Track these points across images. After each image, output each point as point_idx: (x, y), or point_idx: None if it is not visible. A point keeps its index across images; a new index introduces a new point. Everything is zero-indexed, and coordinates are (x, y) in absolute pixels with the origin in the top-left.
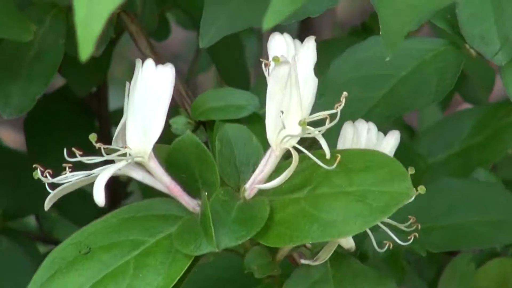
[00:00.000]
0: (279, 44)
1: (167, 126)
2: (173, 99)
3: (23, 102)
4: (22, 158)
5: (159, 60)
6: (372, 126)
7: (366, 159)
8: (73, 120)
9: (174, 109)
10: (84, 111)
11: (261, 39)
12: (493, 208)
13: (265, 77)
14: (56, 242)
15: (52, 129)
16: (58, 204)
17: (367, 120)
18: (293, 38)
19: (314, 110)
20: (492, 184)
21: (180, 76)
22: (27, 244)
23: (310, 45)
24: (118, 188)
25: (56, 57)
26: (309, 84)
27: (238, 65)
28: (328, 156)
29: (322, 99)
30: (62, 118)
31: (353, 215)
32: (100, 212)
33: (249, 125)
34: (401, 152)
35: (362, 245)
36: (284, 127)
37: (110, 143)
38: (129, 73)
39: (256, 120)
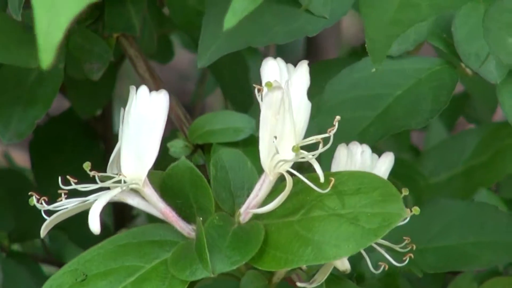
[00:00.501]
0: (272, 69)
1: (163, 151)
2: (172, 122)
3: (22, 126)
4: (28, 180)
5: (158, 84)
6: (366, 148)
7: (358, 181)
8: (78, 142)
9: (172, 132)
10: (89, 134)
11: None
12: (488, 229)
13: None
14: (63, 265)
15: (57, 151)
16: (65, 227)
17: (361, 139)
18: (299, 59)
19: (308, 131)
20: (489, 205)
21: (186, 97)
22: (33, 267)
23: (303, 70)
24: (124, 210)
25: (56, 82)
26: (302, 109)
27: (242, 86)
28: (322, 180)
29: (316, 120)
30: (67, 141)
31: (346, 238)
32: (106, 235)
33: (246, 147)
34: (402, 171)
35: (358, 266)
36: (277, 152)
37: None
38: None
39: (253, 143)
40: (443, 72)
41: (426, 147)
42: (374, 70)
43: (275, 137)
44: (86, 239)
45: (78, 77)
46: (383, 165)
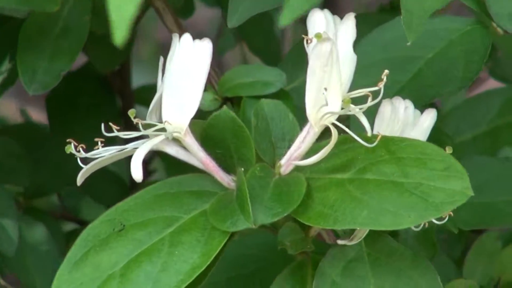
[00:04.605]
0: (320, 20)
1: None
2: None
3: (48, 78)
4: (45, 135)
5: None
6: (409, 104)
7: (417, 150)
8: (95, 97)
9: None
10: (106, 89)
11: None
12: None
13: (294, 54)
14: (79, 221)
15: (74, 107)
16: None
17: None
18: None
19: None
20: None
21: None
22: (51, 223)
23: (350, 22)
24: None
25: (82, 34)
26: (348, 61)
27: (268, 39)
28: (369, 133)
29: None
30: (84, 96)
31: (407, 207)
32: (122, 190)
33: None
34: None
35: None
36: (326, 104)
37: (131, 122)
38: (156, 54)
39: (283, 97)
40: (474, 33)
41: (443, 104)
42: (409, 43)
43: (325, 89)
44: (102, 194)
45: (101, 31)
46: (425, 121)
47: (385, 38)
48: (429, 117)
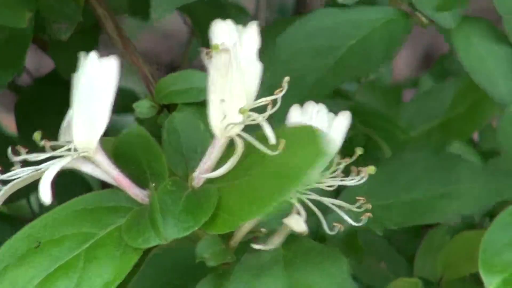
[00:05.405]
0: (221, 31)
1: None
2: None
3: None
4: (14, 142)
5: (127, 44)
6: (321, 107)
7: (290, 133)
8: (64, 103)
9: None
10: None
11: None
12: (455, 179)
13: None
14: None
15: (43, 113)
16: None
17: (315, 89)
18: (289, 15)
19: (262, 85)
20: (453, 155)
21: (169, 56)
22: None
23: (252, 31)
24: None
25: (24, 43)
26: (252, 70)
27: None
28: (273, 141)
29: (268, 73)
30: (53, 102)
31: (271, 190)
32: None
33: None
34: (381, 124)
35: (320, 229)
36: (225, 115)
37: None
38: None
39: None
40: (397, 22)
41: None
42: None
43: (224, 100)
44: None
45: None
46: (340, 123)
47: (308, 28)
48: (344, 119)
